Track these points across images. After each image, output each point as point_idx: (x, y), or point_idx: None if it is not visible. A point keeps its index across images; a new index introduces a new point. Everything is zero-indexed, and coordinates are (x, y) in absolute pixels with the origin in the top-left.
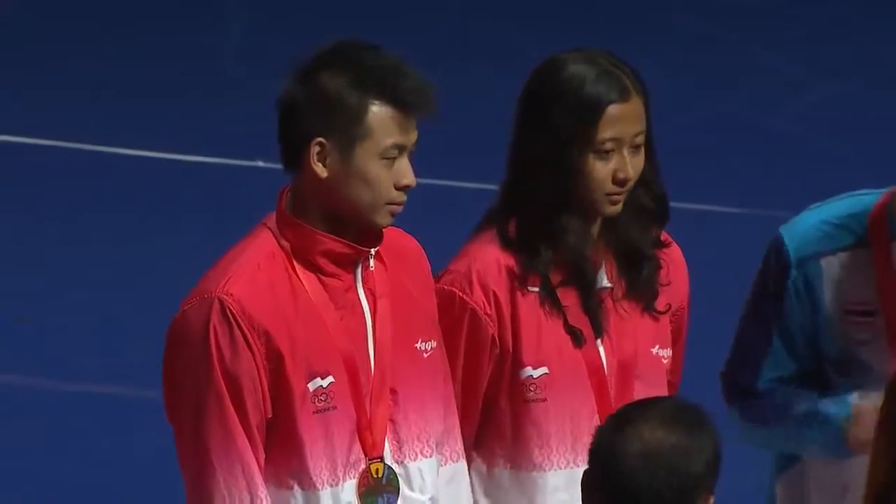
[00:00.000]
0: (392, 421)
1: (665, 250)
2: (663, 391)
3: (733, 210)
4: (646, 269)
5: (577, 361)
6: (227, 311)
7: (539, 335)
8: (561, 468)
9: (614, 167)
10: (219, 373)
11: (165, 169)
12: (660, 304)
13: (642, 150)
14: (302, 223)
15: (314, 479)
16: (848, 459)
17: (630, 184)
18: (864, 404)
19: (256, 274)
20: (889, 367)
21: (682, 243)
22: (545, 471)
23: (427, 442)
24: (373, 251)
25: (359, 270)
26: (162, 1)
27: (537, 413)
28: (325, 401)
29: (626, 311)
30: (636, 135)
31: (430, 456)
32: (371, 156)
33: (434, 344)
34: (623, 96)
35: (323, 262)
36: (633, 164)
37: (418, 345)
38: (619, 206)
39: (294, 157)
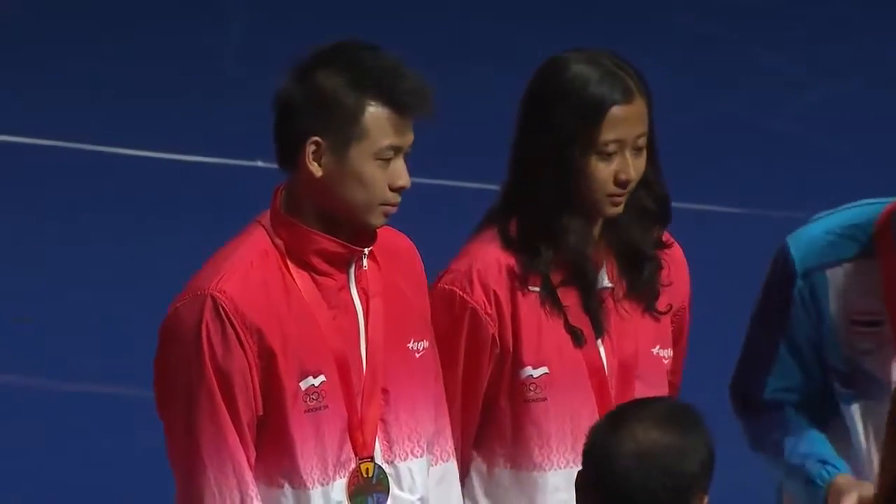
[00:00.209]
0: (383, 420)
1: (666, 250)
2: (664, 391)
3: (733, 210)
4: (647, 270)
5: (577, 361)
6: (220, 309)
7: (539, 335)
8: (561, 468)
9: (616, 168)
10: (210, 370)
11: (165, 169)
12: (661, 305)
13: (644, 151)
14: (296, 222)
15: (305, 477)
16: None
17: (632, 185)
18: (843, 481)
19: (249, 272)
20: (893, 376)
21: (683, 243)
22: (545, 470)
23: (418, 442)
24: (366, 251)
25: (352, 270)
26: (162, 1)
27: (537, 413)
28: (316, 400)
29: (626, 312)
30: (638, 136)
31: (421, 456)
32: (366, 156)
33: (426, 344)
34: (626, 98)
35: (316, 261)
36: (634, 166)
37: (410, 345)
38: (620, 207)
39: (289, 155)
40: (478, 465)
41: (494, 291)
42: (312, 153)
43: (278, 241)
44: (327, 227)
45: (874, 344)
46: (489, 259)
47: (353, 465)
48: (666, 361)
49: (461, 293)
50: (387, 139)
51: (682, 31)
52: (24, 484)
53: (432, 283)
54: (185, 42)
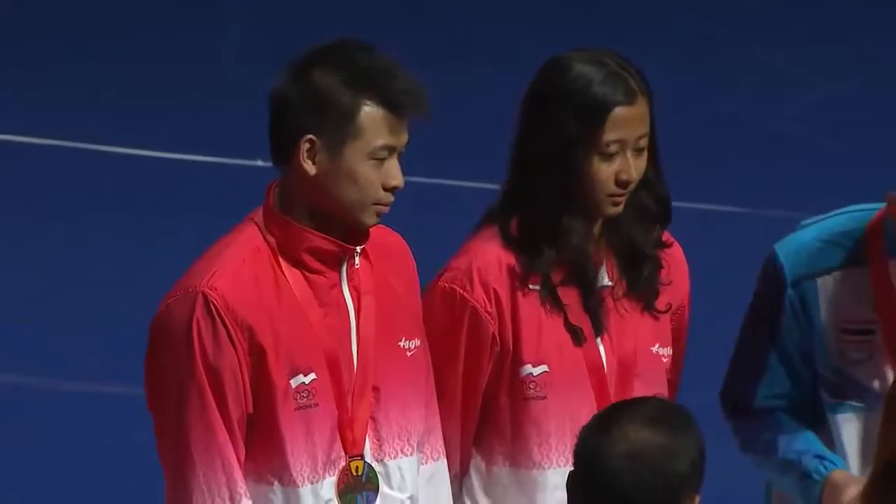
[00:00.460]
0: (373, 419)
1: (666, 249)
2: (663, 390)
3: (733, 210)
4: (647, 269)
5: (577, 360)
6: (211, 306)
7: (539, 333)
8: (560, 466)
9: (617, 168)
10: (201, 367)
11: (165, 169)
12: (660, 304)
13: (645, 151)
14: (288, 219)
15: (294, 475)
16: None
17: (632, 185)
18: (840, 477)
19: (241, 269)
20: (885, 385)
21: (683, 243)
22: (544, 469)
23: (408, 440)
24: (358, 249)
25: (344, 268)
26: (162, 1)
27: (537, 411)
28: (306, 397)
29: (626, 310)
30: (640, 137)
31: (411, 454)
32: (360, 156)
33: (417, 342)
34: (629, 98)
35: (308, 258)
36: (636, 166)
37: (401, 343)
38: (620, 208)
39: (284, 153)
40: (477, 463)
41: (494, 290)
42: (307, 151)
43: (270, 239)
44: (320, 225)
45: (865, 353)
46: (489, 257)
47: (342, 463)
48: (665, 360)
49: (461, 291)
50: (381, 139)
51: (682, 31)
52: (23, 483)
53: (431, 280)
54: (185, 42)
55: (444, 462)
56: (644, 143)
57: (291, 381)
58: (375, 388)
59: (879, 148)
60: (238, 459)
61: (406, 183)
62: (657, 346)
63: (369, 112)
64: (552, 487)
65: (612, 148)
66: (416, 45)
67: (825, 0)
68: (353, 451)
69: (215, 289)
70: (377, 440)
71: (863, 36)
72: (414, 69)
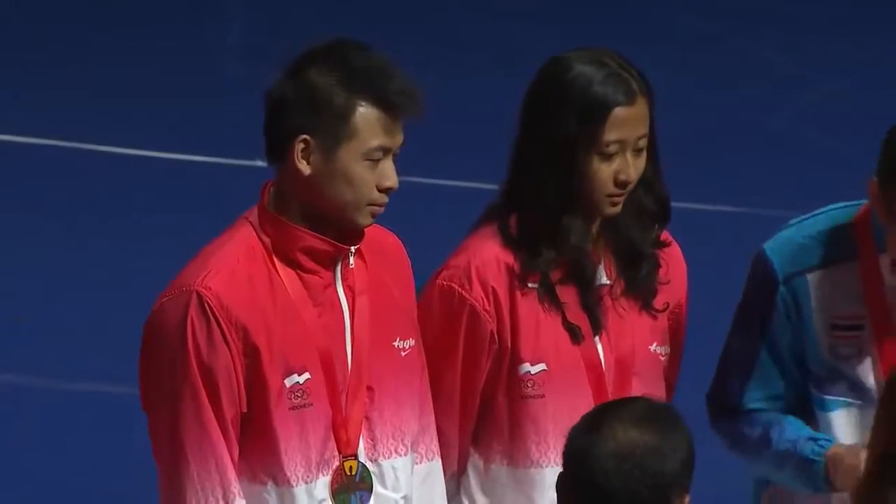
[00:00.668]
0: (367, 419)
1: (664, 249)
2: (661, 388)
3: (733, 210)
4: (645, 268)
5: (575, 358)
6: (205, 305)
7: (537, 332)
8: (558, 465)
9: (616, 169)
10: (195, 366)
11: (165, 169)
12: (658, 303)
13: (644, 151)
14: (283, 219)
15: (288, 475)
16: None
17: (631, 185)
18: (840, 449)
19: (235, 268)
20: (876, 379)
21: (682, 243)
22: (542, 467)
23: (402, 440)
24: (353, 249)
25: (338, 268)
26: (162, 1)
27: (535, 409)
28: (301, 397)
29: (624, 309)
30: (640, 137)
31: (405, 454)
32: (355, 156)
33: (412, 342)
34: (629, 99)
35: (302, 258)
36: (635, 166)
37: (396, 343)
38: (618, 208)
39: (278, 152)
40: (475, 461)
41: (493, 288)
42: (301, 151)
43: (265, 238)
44: (314, 224)
45: (856, 348)
46: (488, 256)
47: (336, 463)
48: (663, 359)
49: (460, 290)
50: (376, 140)
51: (682, 31)
52: (24, 484)
53: (429, 278)
54: (185, 42)
55: (438, 462)
56: (643, 143)
57: (286, 381)
58: (369, 388)
59: (879, 148)
60: (231, 459)
61: (405, 183)
62: (655, 344)
63: (364, 112)
64: (550, 486)
65: (612, 148)
66: (416, 45)
67: (825, 0)
68: (347, 451)
69: (209, 288)
70: (371, 440)
71: (863, 36)
72: (413, 69)
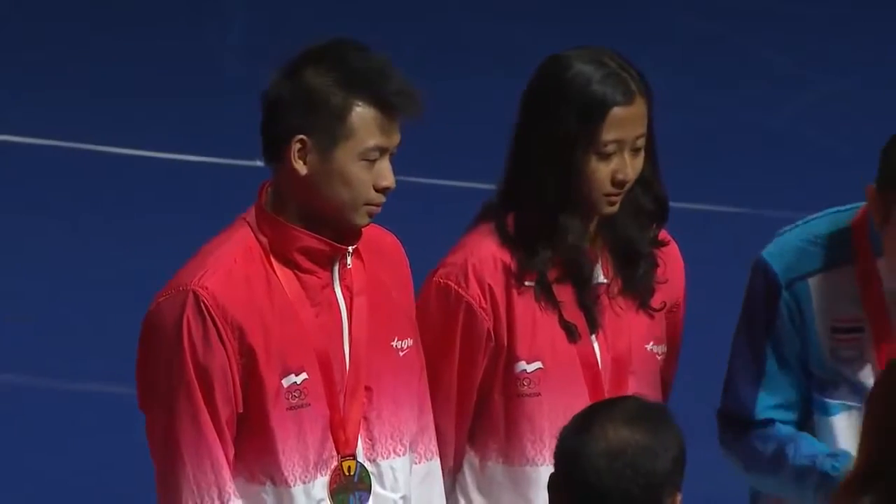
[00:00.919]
0: (365, 419)
1: (662, 248)
2: (657, 387)
3: (733, 210)
4: (642, 267)
5: (571, 357)
6: (202, 305)
7: (534, 330)
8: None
9: (614, 168)
10: (191, 366)
11: (165, 169)
12: (655, 302)
13: (642, 151)
14: (280, 219)
15: (286, 475)
16: None
17: (629, 185)
18: None
19: (233, 268)
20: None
21: (682, 243)
22: (538, 465)
23: (400, 440)
24: (350, 249)
25: (336, 268)
26: (162, 1)
27: (531, 407)
28: (298, 397)
29: (621, 308)
30: (638, 137)
31: (403, 454)
32: (352, 156)
33: (410, 342)
34: (627, 98)
35: (300, 258)
36: (632, 166)
37: (394, 343)
38: (616, 207)
39: (275, 152)
40: (471, 459)
41: (489, 286)
42: (298, 151)
43: (262, 238)
44: (312, 224)
45: (857, 351)
46: (485, 253)
47: (335, 463)
48: (659, 358)
49: (456, 287)
50: (373, 140)
51: (682, 31)
52: (25, 484)
53: (426, 275)
54: (185, 42)
55: (437, 462)
56: (641, 143)
57: (283, 381)
58: (368, 388)
59: (879, 148)
60: (227, 458)
61: (403, 183)
62: (651, 343)
63: (361, 113)
64: (545, 484)
65: (610, 147)
66: (416, 45)
67: (825, 0)
68: (346, 451)
69: (206, 288)
70: (369, 440)
71: (863, 36)
72: (413, 69)
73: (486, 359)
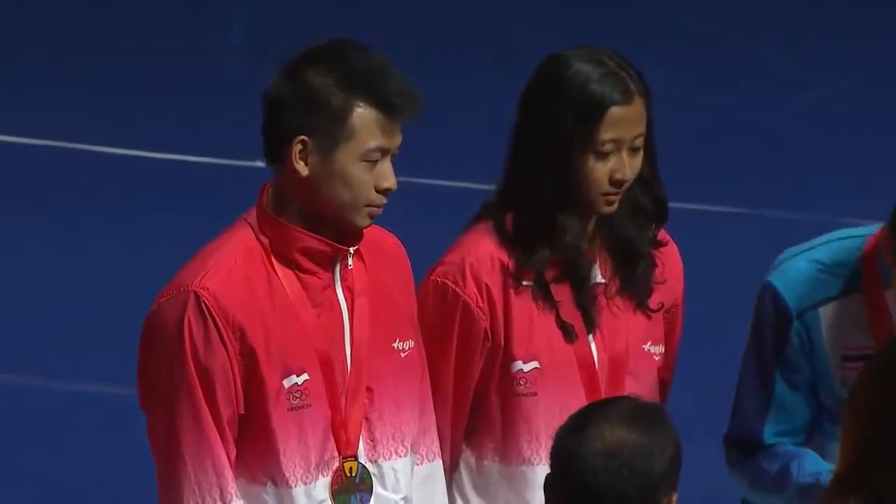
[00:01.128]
0: (367, 420)
1: (661, 248)
2: (655, 388)
3: (733, 210)
4: (640, 267)
5: (568, 356)
6: (203, 306)
7: (531, 329)
8: None
9: (612, 168)
10: (192, 367)
11: (165, 169)
12: (653, 302)
13: (641, 151)
14: (281, 220)
15: (287, 476)
16: None
17: (627, 185)
18: None
19: (233, 269)
20: None
21: (682, 243)
22: (534, 465)
23: (402, 441)
24: (351, 249)
25: (337, 268)
26: (162, 1)
27: (527, 407)
28: (299, 398)
29: (619, 308)
30: (636, 137)
31: (405, 455)
32: (353, 157)
33: (411, 343)
34: (626, 98)
35: (301, 259)
36: (630, 166)
37: (396, 344)
38: (614, 207)
39: (276, 153)
40: (467, 458)
41: (487, 285)
42: (299, 152)
43: (263, 239)
44: (313, 225)
45: None
46: (482, 253)
47: (336, 464)
48: (657, 358)
49: (453, 286)
50: (374, 140)
51: (682, 31)
52: (25, 484)
53: (424, 274)
54: (185, 42)
55: (439, 463)
56: (640, 142)
57: (284, 382)
58: (369, 389)
59: (879, 148)
60: (229, 459)
61: (404, 183)
62: (649, 343)
63: (362, 113)
64: (541, 484)
65: (608, 147)
66: (416, 45)
67: (825, 0)
68: (347, 452)
69: (207, 288)
70: (371, 441)
71: (863, 36)
72: (413, 69)
73: (483, 358)
